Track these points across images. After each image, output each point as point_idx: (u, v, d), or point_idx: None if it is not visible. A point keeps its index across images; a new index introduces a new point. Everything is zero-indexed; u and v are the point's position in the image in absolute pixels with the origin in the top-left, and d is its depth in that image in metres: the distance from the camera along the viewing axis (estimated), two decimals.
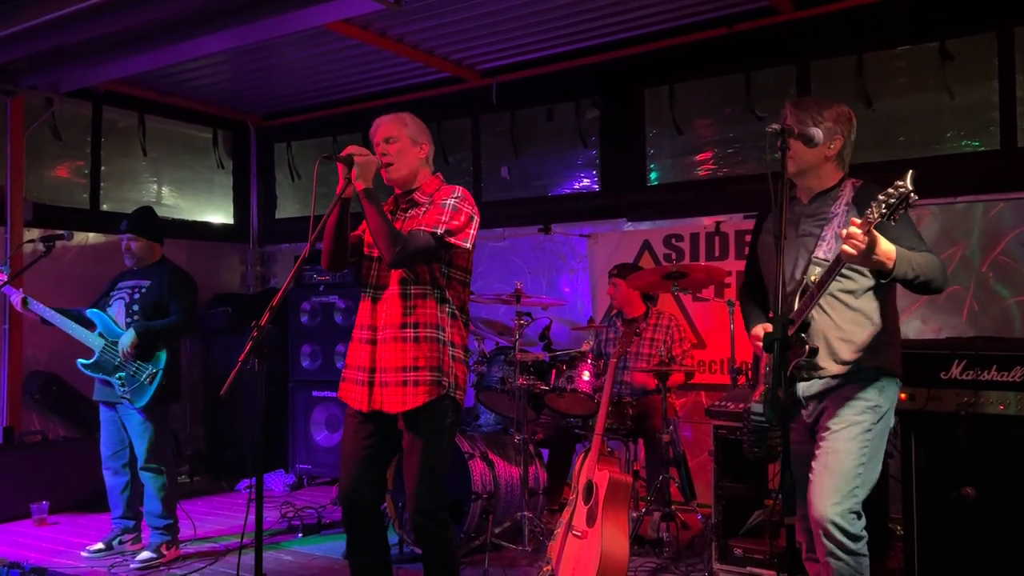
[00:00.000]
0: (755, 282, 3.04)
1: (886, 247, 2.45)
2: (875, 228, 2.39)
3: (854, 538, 2.61)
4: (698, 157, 6.00)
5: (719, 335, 5.49)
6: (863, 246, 2.37)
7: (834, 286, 2.65)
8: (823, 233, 2.68)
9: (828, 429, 2.69)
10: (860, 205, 2.66)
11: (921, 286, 2.58)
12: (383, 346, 3.03)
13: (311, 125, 7.65)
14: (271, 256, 8.14)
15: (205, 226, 7.81)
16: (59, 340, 4.61)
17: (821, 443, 2.70)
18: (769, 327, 2.64)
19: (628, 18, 5.56)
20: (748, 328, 2.96)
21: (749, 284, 3.09)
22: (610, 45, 5.96)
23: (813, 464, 2.70)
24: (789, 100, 2.81)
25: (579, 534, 3.86)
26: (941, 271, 2.61)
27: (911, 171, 2.30)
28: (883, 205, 2.31)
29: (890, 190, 2.31)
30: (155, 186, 7.53)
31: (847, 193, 2.71)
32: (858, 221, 2.37)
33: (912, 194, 2.28)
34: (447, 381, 3.03)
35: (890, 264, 2.47)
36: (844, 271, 2.63)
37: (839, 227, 2.65)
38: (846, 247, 2.39)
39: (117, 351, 4.49)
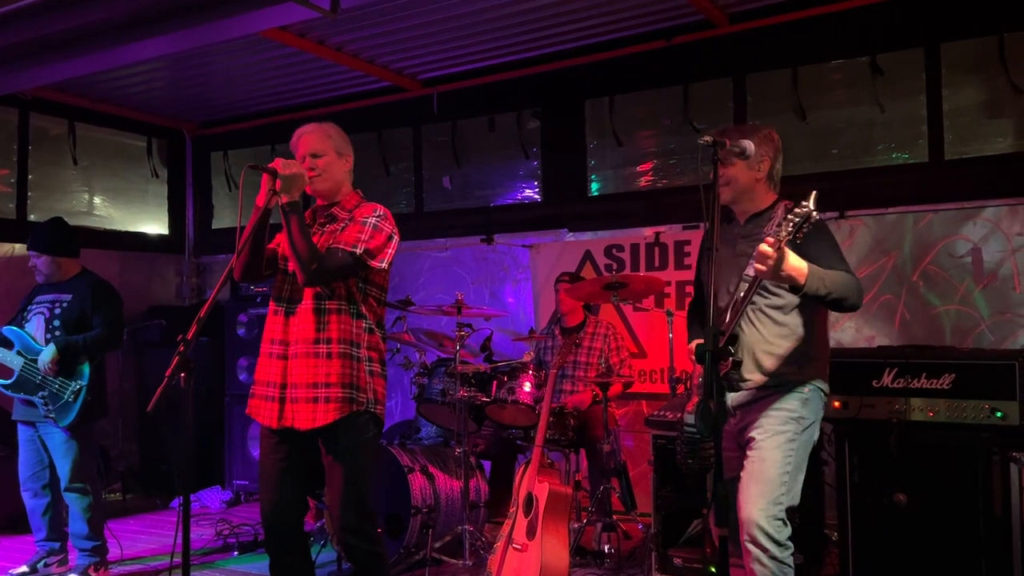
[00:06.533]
0: (699, 298, 3.15)
1: (796, 263, 2.53)
2: (795, 246, 2.50)
3: (780, 545, 2.67)
4: (639, 168, 6.04)
5: (659, 345, 5.52)
6: (772, 262, 2.48)
7: (763, 302, 2.77)
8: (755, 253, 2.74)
9: (754, 439, 2.78)
10: None
11: (834, 303, 2.67)
12: (294, 361, 2.99)
13: (249, 134, 7.50)
14: (207, 267, 7.96)
15: (139, 237, 7.60)
16: None
17: (749, 452, 2.80)
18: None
19: (569, 29, 5.58)
20: (688, 343, 3.10)
21: (696, 300, 3.20)
22: (551, 56, 5.98)
23: (742, 473, 2.77)
24: (710, 132, 2.78)
25: (519, 547, 3.83)
26: (855, 290, 2.69)
27: (815, 192, 2.48)
28: (790, 224, 2.46)
29: (796, 210, 2.47)
30: (86, 196, 7.31)
31: (779, 214, 2.77)
32: (771, 240, 2.49)
33: (814, 214, 2.46)
34: (364, 397, 3.00)
35: (801, 280, 2.55)
36: (772, 289, 2.75)
37: None
38: (758, 264, 2.52)
39: (38, 368, 4.33)
